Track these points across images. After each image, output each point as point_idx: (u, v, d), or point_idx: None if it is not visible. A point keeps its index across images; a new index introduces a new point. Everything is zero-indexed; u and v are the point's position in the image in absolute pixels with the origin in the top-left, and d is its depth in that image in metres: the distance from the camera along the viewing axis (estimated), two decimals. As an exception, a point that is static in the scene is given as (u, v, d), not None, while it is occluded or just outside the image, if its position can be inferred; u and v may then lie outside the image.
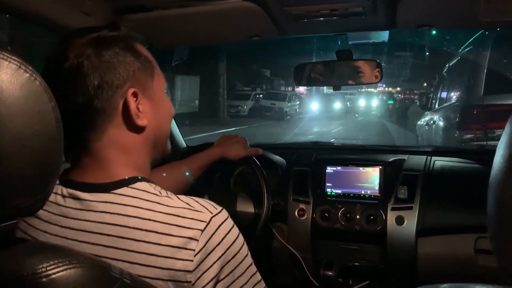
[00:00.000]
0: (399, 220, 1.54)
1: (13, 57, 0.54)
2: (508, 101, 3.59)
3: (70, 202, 0.74)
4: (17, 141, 0.53)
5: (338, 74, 1.49)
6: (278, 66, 25.43)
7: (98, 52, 0.73)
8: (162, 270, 0.67)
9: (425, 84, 31.49)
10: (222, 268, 0.70)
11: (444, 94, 5.43)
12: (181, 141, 1.97)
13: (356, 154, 1.87)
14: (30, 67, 0.56)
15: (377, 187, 1.65)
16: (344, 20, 1.26)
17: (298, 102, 22.83)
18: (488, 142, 3.64)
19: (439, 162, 1.72)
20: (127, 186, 0.73)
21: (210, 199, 1.51)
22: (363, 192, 1.66)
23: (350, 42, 1.65)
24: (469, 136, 3.84)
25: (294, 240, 1.65)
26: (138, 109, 0.76)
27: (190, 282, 0.67)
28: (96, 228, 0.70)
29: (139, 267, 0.67)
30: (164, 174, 1.31)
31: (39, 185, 0.58)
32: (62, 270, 0.54)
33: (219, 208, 0.74)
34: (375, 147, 2.11)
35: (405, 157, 1.75)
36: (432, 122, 5.62)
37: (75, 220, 0.72)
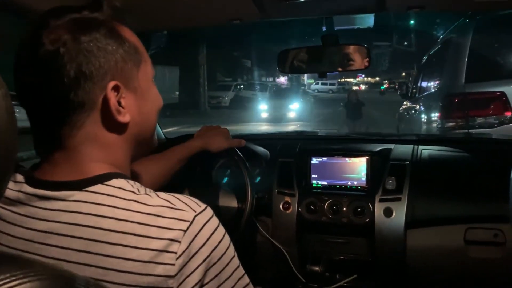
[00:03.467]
0: (388, 212, 1.49)
1: None
2: (489, 89, 3.59)
3: (37, 202, 0.66)
4: None
5: (324, 60, 1.42)
6: (259, 57, 25.31)
7: (75, 38, 0.65)
8: (141, 276, 0.60)
9: (403, 74, 31.96)
10: (207, 271, 0.63)
11: (424, 83, 5.44)
12: (160, 133, 1.89)
13: (341, 144, 1.81)
14: None
15: (364, 178, 1.60)
16: (330, 2, 1.19)
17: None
18: (470, 130, 3.65)
19: (426, 151, 1.68)
20: (101, 183, 0.66)
21: (191, 194, 1.45)
22: (349, 183, 1.61)
23: (335, 28, 1.58)
24: (450, 124, 3.84)
25: (279, 234, 1.59)
26: (120, 103, 0.68)
27: (173, 287, 0.61)
28: (67, 230, 0.63)
29: (114, 273, 0.60)
30: (140, 169, 1.21)
31: None
32: (15, 285, 0.46)
33: (203, 205, 0.67)
34: (361, 136, 2.06)
35: (392, 146, 1.71)
36: (412, 111, 5.64)
37: (43, 221, 0.64)
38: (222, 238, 0.66)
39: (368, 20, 1.75)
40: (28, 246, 0.64)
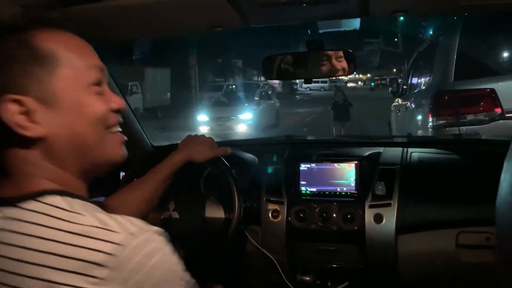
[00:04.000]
0: (378, 218, 1.46)
1: None
2: (479, 86, 3.59)
3: None
4: None
5: (310, 66, 1.39)
6: (250, 56, 25.28)
7: None
8: None
9: (394, 70, 32.08)
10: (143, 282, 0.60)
11: (414, 80, 5.44)
12: (146, 141, 1.84)
13: (330, 149, 1.79)
14: None
15: (353, 184, 1.57)
16: (313, 7, 1.16)
17: (270, 92, 22.74)
18: (461, 128, 3.65)
19: (416, 154, 1.66)
20: (33, 199, 0.63)
21: (178, 205, 1.42)
22: (339, 189, 1.58)
23: (320, 31, 1.56)
24: (441, 122, 3.84)
25: (269, 243, 1.56)
26: (31, 116, 0.64)
27: None
28: None
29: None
30: (124, 197, 1.21)
31: None
32: None
33: (146, 227, 0.64)
34: (350, 140, 2.04)
35: (381, 149, 1.69)
36: (403, 108, 5.64)
37: None
38: (158, 264, 0.62)
39: (354, 22, 1.73)
40: None
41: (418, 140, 2.15)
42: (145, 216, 1.25)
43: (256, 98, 12.74)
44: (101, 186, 1.73)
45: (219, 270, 1.53)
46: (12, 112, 0.63)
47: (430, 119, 3.90)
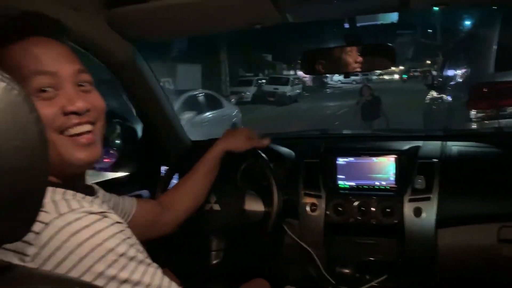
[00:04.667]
0: (417, 212, 1.46)
1: None
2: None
3: None
4: None
5: (348, 60, 1.39)
6: (280, 50, 25.14)
7: None
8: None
9: (428, 62, 31.20)
10: (67, 272, 0.62)
11: (450, 72, 5.30)
12: (184, 136, 1.89)
13: (367, 143, 1.78)
14: (6, 75, 0.49)
15: (392, 178, 1.57)
16: (352, 2, 1.17)
17: (300, 85, 22.60)
18: (500, 121, 3.54)
19: (456, 147, 1.64)
20: None
21: (219, 197, 1.46)
22: (377, 183, 1.58)
23: (358, 25, 1.55)
24: (479, 114, 3.74)
25: (307, 236, 1.58)
26: None
27: None
28: None
29: None
30: (176, 195, 1.29)
31: (21, 210, 0.52)
32: None
33: (81, 208, 0.66)
34: (387, 134, 2.03)
35: (420, 143, 1.67)
36: (439, 101, 5.51)
37: None
38: (86, 240, 0.63)
39: (391, 15, 1.71)
40: None
41: (458, 134, 2.11)
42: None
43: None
44: (143, 180, 1.81)
45: (258, 263, 1.56)
46: None
47: (468, 112, 3.81)
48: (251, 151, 1.42)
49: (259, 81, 21.13)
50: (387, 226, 1.50)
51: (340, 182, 1.62)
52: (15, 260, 0.62)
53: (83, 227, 0.64)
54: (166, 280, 0.71)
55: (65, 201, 0.67)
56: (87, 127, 0.77)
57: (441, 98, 5.40)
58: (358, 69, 1.38)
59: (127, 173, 1.75)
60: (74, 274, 0.62)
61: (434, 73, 6.71)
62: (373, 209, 1.51)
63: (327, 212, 1.55)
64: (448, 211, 1.45)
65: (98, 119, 0.80)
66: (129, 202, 1.14)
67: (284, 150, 1.75)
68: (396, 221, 1.48)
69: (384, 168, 1.58)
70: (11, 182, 0.49)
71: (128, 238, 0.69)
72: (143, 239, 1.15)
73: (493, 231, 1.42)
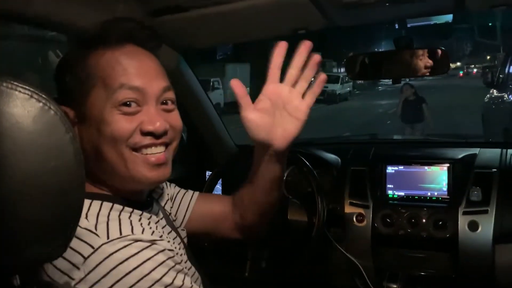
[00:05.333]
0: (473, 226, 1.37)
1: (24, 86, 0.48)
2: None
3: None
4: (30, 181, 0.47)
5: (398, 65, 1.32)
6: (329, 48, 24.77)
7: None
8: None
9: (488, 57, 29.54)
10: None
11: (513, 70, 4.97)
12: (229, 141, 1.88)
13: (419, 150, 1.69)
14: (43, 95, 0.50)
15: (445, 188, 1.48)
16: (403, 5, 1.10)
17: (351, 83, 22.14)
18: None
19: None
20: None
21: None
22: (429, 194, 1.50)
23: (409, 25, 1.48)
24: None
25: (353, 247, 1.52)
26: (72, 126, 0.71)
27: None
28: None
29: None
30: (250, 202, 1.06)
31: (58, 229, 0.53)
32: None
33: (131, 236, 0.65)
34: (441, 140, 1.92)
35: (476, 151, 1.57)
36: (499, 100, 5.19)
37: None
38: (133, 270, 0.62)
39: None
40: None
41: (520, 140, 1.97)
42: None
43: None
44: (188, 185, 1.82)
45: (303, 273, 1.53)
46: None
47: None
48: (294, 158, 1.38)
49: (309, 79, 20.88)
50: (439, 239, 1.41)
51: (389, 191, 1.55)
52: (62, 280, 0.63)
53: (131, 255, 0.63)
54: None
55: (118, 223, 0.67)
56: (161, 149, 0.76)
57: (502, 97, 5.08)
58: (409, 75, 1.31)
59: (172, 178, 1.77)
60: None
61: (495, 70, 6.28)
62: (424, 221, 1.43)
63: (375, 223, 1.49)
64: (507, 226, 1.35)
65: (174, 140, 0.79)
66: (188, 196, 1.08)
67: (330, 156, 1.70)
68: (449, 235, 1.39)
69: (437, 178, 1.50)
70: (48, 203, 0.50)
71: (177, 264, 0.68)
72: (214, 236, 1.13)
73: None
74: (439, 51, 1.26)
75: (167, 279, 0.64)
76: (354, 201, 1.54)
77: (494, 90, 5.67)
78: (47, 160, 0.49)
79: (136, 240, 0.65)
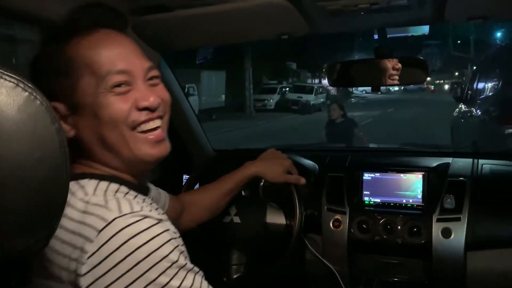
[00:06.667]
0: (446, 233, 1.40)
1: (10, 74, 0.47)
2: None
3: None
4: (15, 171, 0.46)
5: (377, 74, 1.35)
6: (305, 59, 25.08)
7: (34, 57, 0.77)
8: (61, 271, 0.64)
9: (456, 74, 30.56)
10: (121, 276, 0.62)
11: (481, 85, 5.16)
12: (207, 145, 1.87)
13: (394, 158, 1.73)
14: (30, 84, 0.49)
15: (420, 196, 1.51)
16: (384, 15, 1.13)
17: (325, 94, 22.47)
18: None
19: (488, 165, 1.57)
20: (75, 179, 0.71)
21: (239, 209, 1.43)
22: (404, 201, 1.53)
23: (388, 36, 1.51)
24: (510, 130, 3.61)
25: (329, 253, 1.53)
26: (64, 119, 0.73)
27: (81, 286, 0.62)
28: None
29: (49, 265, 0.66)
30: (192, 200, 1.27)
31: (42, 221, 0.52)
32: None
33: (142, 211, 0.67)
34: (416, 149, 1.96)
35: (449, 160, 1.61)
36: (468, 114, 5.37)
37: None
38: (143, 245, 0.64)
39: (423, 27, 1.67)
40: None
41: (490, 151, 2.04)
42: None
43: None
44: (165, 187, 1.80)
45: (280, 278, 1.53)
46: None
47: (499, 127, 3.69)
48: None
49: (283, 89, 21.11)
50: (414, 246, 1.44)
51: (365, 198, 1.57)
52: (74, 254, 0.63)
53: (142, 230, 0.65)
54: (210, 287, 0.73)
55: (127, 201, 0.69)
56: (158, 122, 0.79)
57: (470, 112, 5.26)
58: (388, 83, 1.33)
59: (149, 180, 1.74)
60: (127, 279, 0.62)
61: (464, 85, 6.51)
62: (399, 227, 1.46)
63: (351, 229, 1.51)
64: (479, 233, 1.39)
65: (166, 112, 0.82)
66: (164, 197, 1.15)
67: (308, 162, 1.71)
68: (423, 241, 1.42)
69: (412, 185, 1.53)
70: (32, 194, 0.49)
71: (180, 245, 0.70)
72: None
73: None
74: (418, 61, 1.30)
75: (173, 257, 0.66)
76: (331, 207, 1.55)
77: (463, 105, 5.87)
78: (31, 151, 0.48)
79: (146, 216, 0.66)
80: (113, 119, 0.73)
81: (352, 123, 5.26)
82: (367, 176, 1.58)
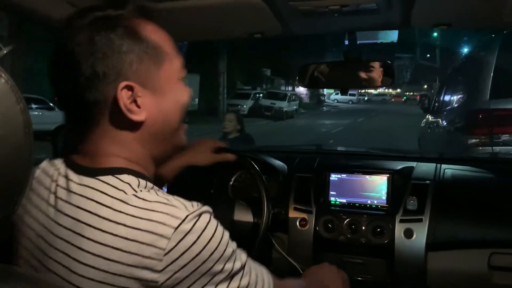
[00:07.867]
0: (408, 233, 1.44)
1: None
2: (515, 106, 3.49)
3: (62, 181, 0.72)
4: None
5: (346, 76, 1.38)
6: (279, 66, 25.31)
7: (91, 38, 0.67)
8: (127, 267, 0.63)
9: (425, 86, 31.60)
10: (196, 269, 0.65)
11: (447, 97, 5.33)
12: None
13: (361, 161, 1.77)
14: None
15: (384, 197, 1.55)
16: (354, 17, 1.16)
17: (297, 102, 22.72)
18: (494, 148, 3.55)
19: (450, 170, 1.63)
20: (113, 175, 0.69)
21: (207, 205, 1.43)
22: (369, 202, 1.56)
23: (358, 42, 1.55)
24: (474, 141, 3.74)
25: (295, 251, 1.55)
26: (136, 102, 0.69)
27: (158, 282, 0.63)
28: (72, 212, 0.68)
29: (102, 260, 0.64)
30: None
31: (2, 201, 0.50)
32: None
33: (199, 206, 0.68)
34: (382, 153, 2.01)
35: (414, 164, 1.66)
36: (434, 125, 5.53)
37: (60, 200, 0.71)
38: (212, 237, 0.66)
39: (392, 35, 1.72)
40: (46, 222, 0.70)
41: (452, 157, 2.11)
42: None
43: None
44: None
45: None
46: (125, 97, 0.68)
47: (462, 137, 3.82)
48: (243, 162, 1.39)
49: (257, 95, 21.22)
50: (377, 245, 1.47)
51: (331, 198, 1.60)
52: (147, 252, 0.62)
53: (207, 223, 0.67)
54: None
55: (180, 199, 0.69)
56: None
57: (436, 122, 5.43)
58: (356, 86, 1.37)
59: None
60: (203, 268, 0.65)
61: (431, 97, 6.71)
62: (363, 227, 1.49)
63: (317, 228, 1.53)
64: (439, 235, 1.43)
65: None
66: None
67: (277, 163, 1.73)
68: (386, 241, 1.45)
69: (377, 187, 1.56)
70: None
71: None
72: None
73: (484, 257, 1.40)
74: (385, 64, 1.34)
75: (233, 244, 0.71)
76: (298, 206, 1.57)
77: (430, 116, 6.05)
78: None
79: (205, 211, 0.68)
80: (184, 106, 0.77)
81: (248, 141, 3.93)
82: (334, 177, 1.61)
